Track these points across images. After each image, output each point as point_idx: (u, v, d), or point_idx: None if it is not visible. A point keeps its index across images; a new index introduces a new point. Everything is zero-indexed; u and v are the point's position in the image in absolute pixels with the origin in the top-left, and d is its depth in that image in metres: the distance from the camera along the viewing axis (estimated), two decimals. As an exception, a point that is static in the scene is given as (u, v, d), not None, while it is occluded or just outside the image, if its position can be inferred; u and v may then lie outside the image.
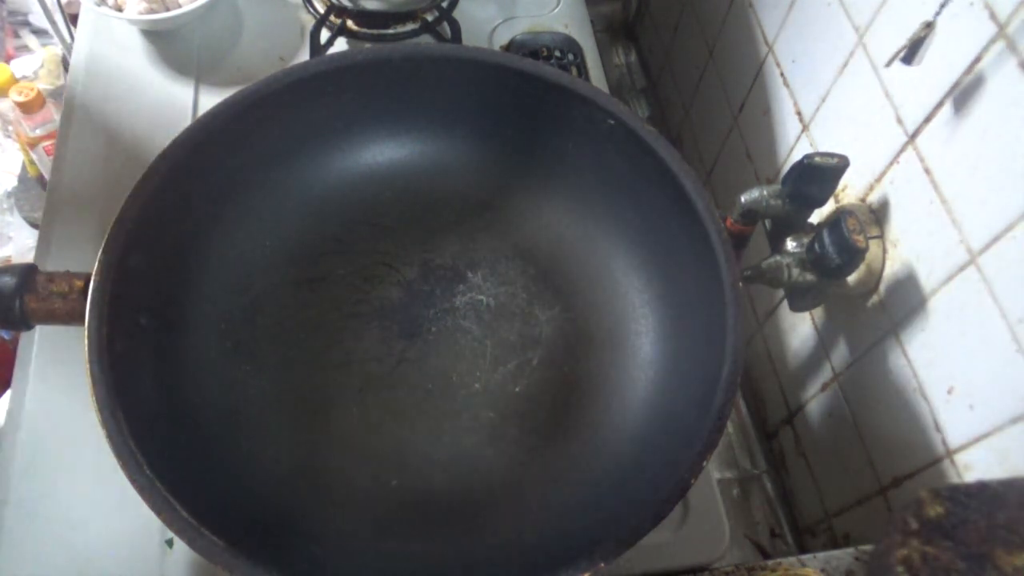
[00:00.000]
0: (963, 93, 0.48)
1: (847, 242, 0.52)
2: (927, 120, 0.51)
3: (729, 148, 0.84)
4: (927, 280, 0.52)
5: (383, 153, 0.59)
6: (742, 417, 0.84)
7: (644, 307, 0.55)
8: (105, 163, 0.70)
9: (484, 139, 0.58)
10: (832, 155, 0.54)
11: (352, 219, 0.58)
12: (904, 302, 0.55)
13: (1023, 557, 0.35)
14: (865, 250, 0.53)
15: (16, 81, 1.08)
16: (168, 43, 0.79)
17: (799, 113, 0.68)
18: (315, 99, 0.54)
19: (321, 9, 0.80)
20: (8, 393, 0.60)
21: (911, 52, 0.49)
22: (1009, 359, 0.46)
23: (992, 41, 0.45)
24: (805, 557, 0.46)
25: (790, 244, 0.58)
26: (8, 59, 1.22)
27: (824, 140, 0.65)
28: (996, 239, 0.46)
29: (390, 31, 0.80)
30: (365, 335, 0.55)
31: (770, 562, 0.45)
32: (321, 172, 0.57)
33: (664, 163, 0.50)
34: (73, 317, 0.45)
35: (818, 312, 0.68)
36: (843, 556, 0.45)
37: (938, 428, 0.53)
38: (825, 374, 0.68)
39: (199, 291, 0.52)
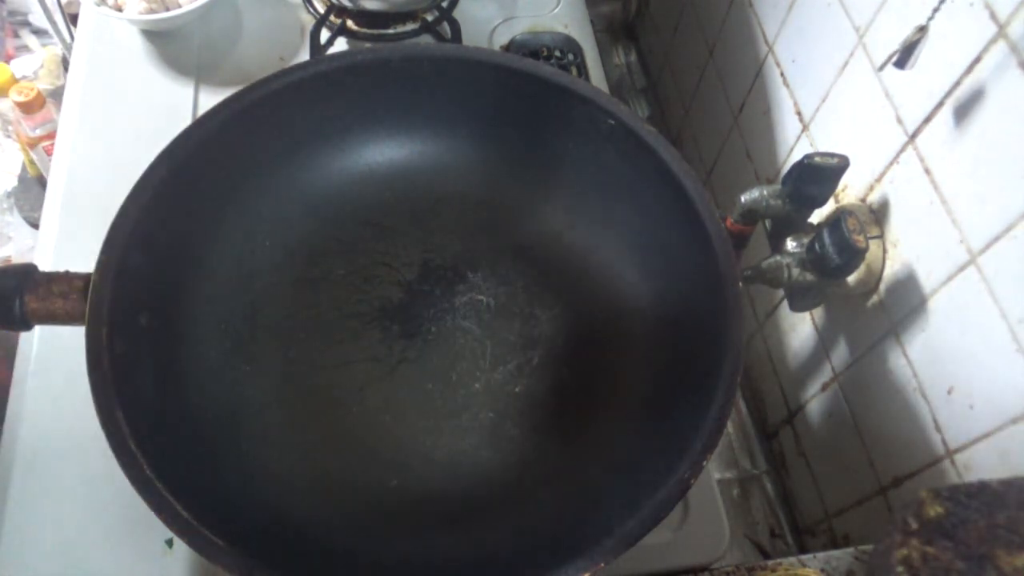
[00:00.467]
0: (963, 93, 0.48)
1: (847, 242, 0.52)
2: (927, 120, 0.51)
3: (729, 148, 0.84)
4: (927, 280, 0.52)
5: (383, 153, 0.59)
6: (742, 417, 0.84)
7: (644, 307, 0.55)
8: (105, 163, 0.70)
9: (484, 139, 0.58)
10: (832, 155, 0.54)
11: (352, 219, 0.58)
12: (904, 302, 0.55)
13: (1023, 557, 0.35)
14: (865, 250, 0.53)
15: (16, 81, 1.08)
16: (168, 43, 0.79)
17: (799, 113, 0.68)
18: (315, 99, 0.54)
19: (321, 9, 0.80)
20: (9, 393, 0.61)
21: (904, 56, 0.49)
22: (1009, 359, 0.46)
23: (992, 41, 0.45)
24: (805, 557, 0.46)
25: (790, 244, 0.58)
26: (8, 59, 1.22)
27: (824, 140, 0.65)
28: (996, 239, 0.46)
29: (390, 31, 0.80)
30: (365, 335, 0.55)
31: (770, 562, 0.45)
32: (321, 172, 0.57)
33: (664, 163, 0.50)
34: (73, 317, 0.45)
35: (818, 312, 0.68)
36: (843, 556, 0.45)
37: (938, 428, 0.53)
38: (825, 374, 0.68)
39: (199, 291, 0.52)
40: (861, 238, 0.52)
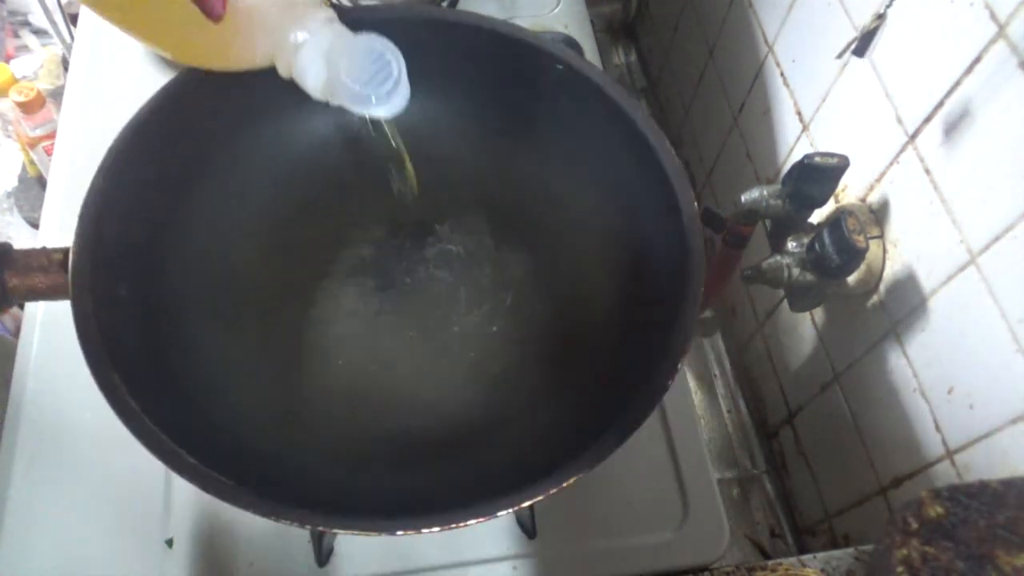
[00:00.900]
0: (963, 93, 0.48)
1: (847, 242, 0.52)
2: (927, 120, 0.51)
3: (729, 148, 0.84)
4: (927, 280, 0.52)
5: (343, 116, 0.60)
6: (742, 417, 0.84)
7: (609, 241, 0.56)
8: (105, 163, 0.70)
9: (441, 96, 0.58)
10: (832, 155, 0.54)
11: (319, 183, 0.59)
12: (904, 302, 0.55)
13: (1023, 557, 0.35)
14: (865, 250, 0.53)
15: (16, 81, 1.08)
16: (168, 43, 0.79)
17: (799, 113, 0.68)
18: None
19: (321, 9, 0.80)
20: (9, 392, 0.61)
21: (863, 44, 0.48)
22: (1009, 359, 0.46)
23: (992, 41, 0.45)
24: (805, 557, 0.46)
25: (790, 244, 0.58)
26: (8, 59, 1.22)
27: (824, 140, 0.65)
28: (996, 239, 0.46)
29: (390, 31, 0.80)
30: (341, 293, 0.57)
31: (770, 562, 0.45)
32: (287, 136, 0.58)
33: (613, 101, 0.51)
34: (55, 291, 0.45)
35: (818, 312, 0.68)
36: (843, 556, 0.45)
37: (938, 428, 0.53)
38: (825, 374, 0.68)
39: (173, 261, 0.52)
40: (861, 238, 0.52)
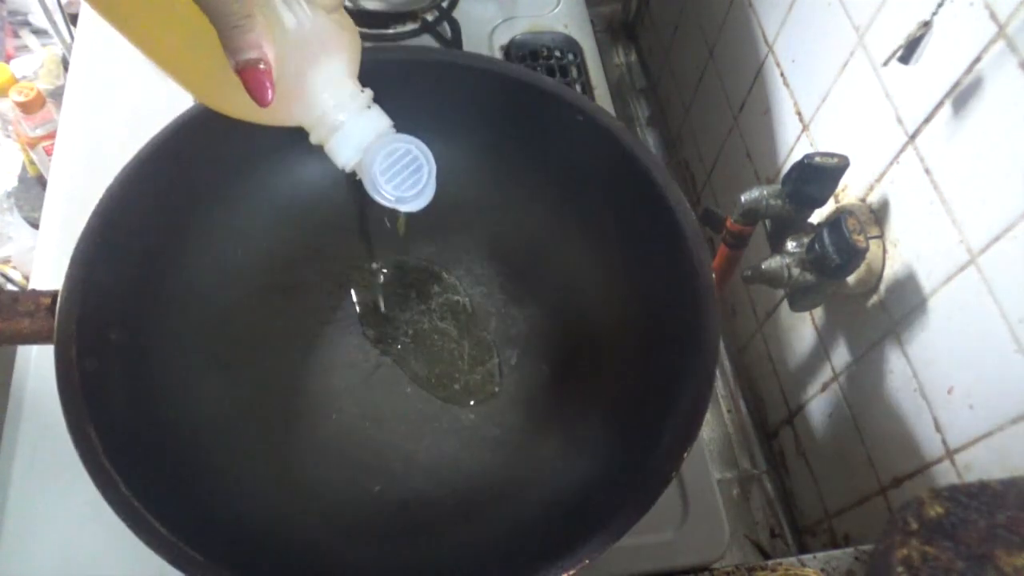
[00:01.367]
0: (963, 93, 0.48)
1: (847, 242, 0.52)
2: (927, 120, 0.51)
3: (729, 148, 0.84)
4: (927, 280, 0.52)
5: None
6: (742, 417, 0.84)
7: (620, 304, 0.55)
8: (105, 163, 0.70)
9: (456, 140, 0.58)
10: (832, 155, 0.54)
11: (324, 224, 0.58)
12: (904, 302, 0.55)
13: (1023, 557, 0.35)
14: (865, 250, 0.53)
15: (16, 81, 1.08)
16: (168, 43, 0.79)
17: (799, 113, 0.68)
18: None
19: (321, 9, 0.80)
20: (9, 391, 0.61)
21: (908, 51, 0.49)
22: (1009, 359, 0.46)
23: (992, 41, 0.45)
24: (805, 557, 0.46)
25: (790, 244, 0.58)
26: (8, 59, 1.22)
27: (824, 140, 0.65)
28: (996, 239, 0.46)
29: (390, 31, 0.80)
30: (341, 341, 0.55)
31: (770, 562, 0.45)
32: (291, 178, 0.57)
33: (633, 155, 0.50)
34: (40, 336, 0.44)
35: (818, 312, 0.68)
36: (843, 556, 0.45)
37: (938, 428, 0.53)
38: (825, 374, 0.68)
39: (170, 303, 0.51)
40: (861, 238, 0.52)
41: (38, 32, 1.26)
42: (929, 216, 0.52)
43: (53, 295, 0.44)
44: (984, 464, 0.49)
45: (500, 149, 0.58)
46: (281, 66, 0.33)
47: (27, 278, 0.93)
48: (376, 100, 0.38)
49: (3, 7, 1.24)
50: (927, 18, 0.48)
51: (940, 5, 0.47)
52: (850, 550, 0.45)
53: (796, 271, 0.57)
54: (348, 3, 0.79)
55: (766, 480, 0.80)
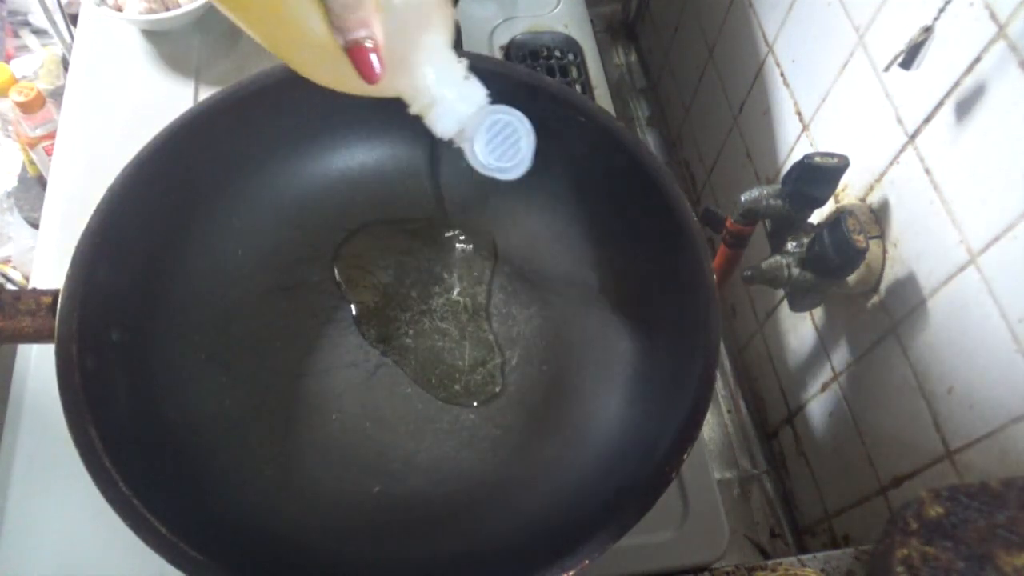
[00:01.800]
0: (963, 93, 0.48)
1: (847, 242, 0.52)
2: (927, 120, 0.51)
3: (729, 148, 0.84)
4: (927, 280, 0.52)
5: (354, 157, 0.58)
6: (742, 417, 0.84)
7: (619, 304, 0.55)
8: (105, 163, 0.70)
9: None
10: (832, 155, 0.54)
11: (325, 224, 0.58)
12: (904, 302, 0.55)
13: (1023, 557, 0.35)
14: (865, 250, 0.53)
15: (16, 81, 1.08)
16: (168, 43, 0.79)
17: (799, 113, 0.68)
18: (283, 105, 0.53)
19: (321, 9, 0.80)
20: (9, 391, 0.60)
21: (910, 56, 0.49)
22: (1009, 359, 0.46)
23: (992, 41, 0.45)
24: (805, 557, 0.46)
25: (790, 244, 0.58)
26: (8, 59, 1.22)
27: (824, 140, 0.65)
28: (996, 239, 0.46)
29: (390, 31, 0.80)
30: (342, 341, 0.55)
31: (770, 562, 0.45)
32: (293, 178, 0.57)
33: (634, 156, 0.50)
34: (41, 335, 0.44)
35: (818, 312, 0.68)
36: (843, 556, 0.45)
37: (938, 428, 0.53)
38: (825, 374, 0.68)
39: (171, 303, 0.51)
40: (861, 238, 0.52)
41: (38, 32, 1.26)
42: (929, 216, 0.52)
43: (54, 294, 0.44)
44: (984, 464, 0.49)
45: None
46: (386, 41, 0.34)
47: (27, 278, 0.93)
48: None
49: (3, 7, 1.24)
50: (928, 23, 0.47)
51: (941, 10, 0.47)
52: (850, 550, 0.45)
53: (796, 271, 0.57)
54: None
55: (766, 480, 0.80)
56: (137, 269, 0.48)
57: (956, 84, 0.48)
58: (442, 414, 0.53)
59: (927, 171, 0.52)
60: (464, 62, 0.38)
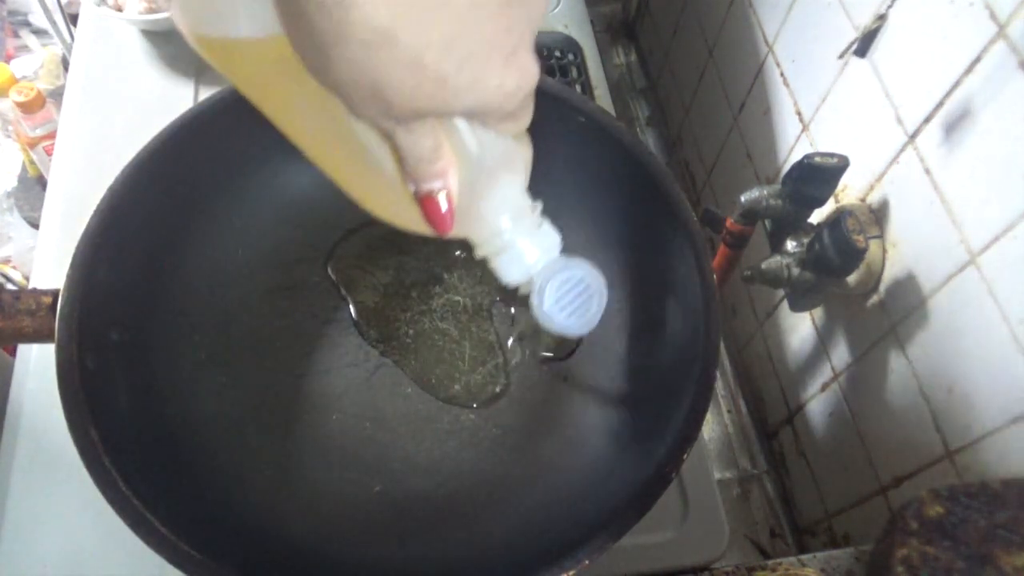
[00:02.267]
0: (963, 93, 0.48)
1: (847, 242, 0.52)
2: (927, 120, 0.51)
3: (729, 148, 0.84)
4: (927, 280, 0.52)
5: None
6: (742, 417, 0.84)
7: (620, 303, 0.55)
8: (105, 163, 0.70)
9: None
10: (832, 155, 0.54)
11: (325, 224, 0.58)
12: (904, 302, 0.55)
13: (1023, 557, 0.35)
14: (865, 250, 0.53)
15: (16, 81, 1.08)
16: (168, 43, 0.79)
17: (799, 113, 0.68)
18: None
19: (321, 9, 0.80)
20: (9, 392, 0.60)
21: (864, 44, 0.48)
22: (1009, 359, 0.46)
23: (992, 41, 0.45)
24: (805, 557, 0.46)
25: (790, 244, 0.58)
26: (8, 59, 1.22)
27: (824, 140, 0.65)
28: (996, 239, 0.46)
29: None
30: (342, 341, 0.55)
31: (770, 562, 0.45)
32: (293, 178, 0.57)
33: (634, 157, 0.50)
34: (42, 335, 0.44)
35: (818, 312, 0.68)
36: (843, 556, 0.45)
37: (938, 428, 0.53)
38: (825, 374, 0.68)
39: (171, 303, 0.51)
40: (861, 238, 0.52)
41: (38, 32, 1.26)
42: (929, 216, 0.52)
43: (54, 294, 0.44)
44: (984, 464, 0.49)
45: None
46: (460, 190, 0.31)
47: (27, 278, 0.93)
48: None
49: (3, 7, 1.24)
50: (883, 11, 0.47)
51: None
52: (850, 550, 0.45)
53: (796, 271, 0.57)
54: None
55: (766, 480, 0.80)
56: (137, 269, 0.48)
57: (956, 84, 0.48)
58: (442, 414, 0.53)
59: (927, 171, 0.52)
60: (539, 206, 0.36)
